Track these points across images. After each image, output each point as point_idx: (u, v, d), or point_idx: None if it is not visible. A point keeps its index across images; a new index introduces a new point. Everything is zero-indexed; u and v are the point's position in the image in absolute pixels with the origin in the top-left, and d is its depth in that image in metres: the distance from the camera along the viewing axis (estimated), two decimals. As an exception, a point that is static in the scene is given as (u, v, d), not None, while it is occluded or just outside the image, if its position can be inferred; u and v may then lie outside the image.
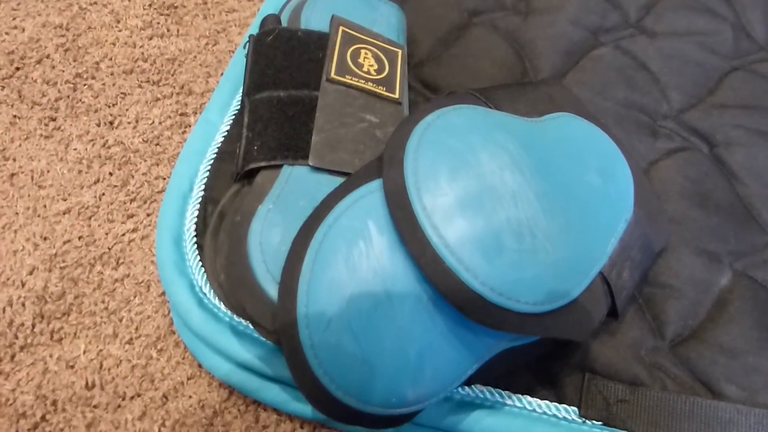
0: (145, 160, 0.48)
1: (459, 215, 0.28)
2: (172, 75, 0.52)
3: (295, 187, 0.34)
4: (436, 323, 0.29)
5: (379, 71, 0.39)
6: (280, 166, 0.35)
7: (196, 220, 0.40)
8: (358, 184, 0.30)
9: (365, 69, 0.39)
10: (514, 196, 0.29)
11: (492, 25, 0.49)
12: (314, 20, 0.40)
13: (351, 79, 0.38)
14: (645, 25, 0.50)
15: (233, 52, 0.54)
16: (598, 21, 0.49)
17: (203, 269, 0.37)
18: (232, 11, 0.57)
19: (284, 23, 0.41)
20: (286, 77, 0.38)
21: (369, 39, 0.40)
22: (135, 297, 0.41)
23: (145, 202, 0.46)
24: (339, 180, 0.34)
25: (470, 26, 0.48)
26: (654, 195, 0.37)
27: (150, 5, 0.57)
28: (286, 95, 0.37)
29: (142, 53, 0.53)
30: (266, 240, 0.31)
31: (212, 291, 0.36)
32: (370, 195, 0.30)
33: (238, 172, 0.36)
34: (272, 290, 0.30)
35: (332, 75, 0.37)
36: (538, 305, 0.29)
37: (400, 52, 0.41)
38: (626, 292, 0.34)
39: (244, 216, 0.33)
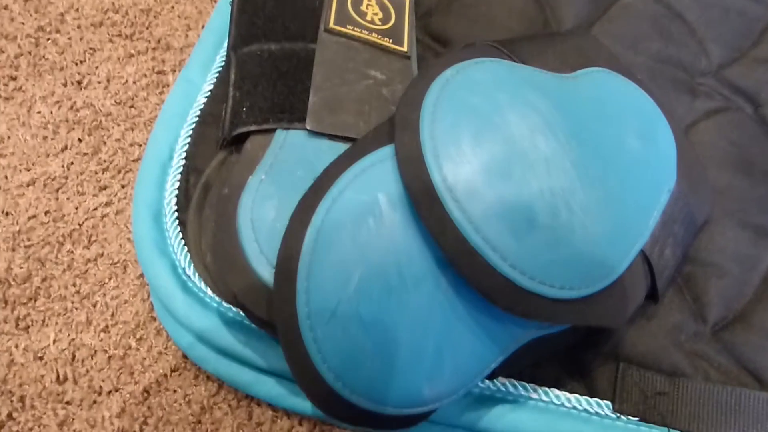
0: (119, 125, 0.45)
1: (484, 186, 0.25)
2: (147, 28, 0.49)
3: (291, 155, 0.31)
4: (457, 310, 0.26)
5: (384, 20, 0.36)
6: (272, 131, 0.32)
7: (177, 192, 0.37)
8: (365, 151, 0.27)
9: (369, 18, 0.35)
10: (548, 163, 0.26)
11: (508, -31, 0.45)
12: (308, -38, 0.37)
13: (353, 30, 0.34)
14: (679, -30, 0.46)
15: (215, 1, 0.50)
16: (626, -36, 0.46)
17: (186, 249, 0.34)
18: (213, -45, 0.52)
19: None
20: (278, 28, 0.34)
21: (372, -16, 0.37)
22: (110, 279, 0.38)
23: (119, 172, 0.43)
24: (341, 146, 0.31)
25: (483, -29, 0.45)
26: (697, 161, 0.35)
27: (120, -51, 0.53)
28: (278, 48, 0.34)
29: (113, 3, 0.50)
30: (258, 216, 0.28)
31: (197, 273, 0.33)
32: (380, 164, 0.27)
33: (225, 138, 0.33)
34: (266, 273, 0.27)
35: (331, 25, 0.34)
36: (575, 290, 0.26)
37: (407, -1, 0.37)
38: (668, 272, 0.31)
39: (232, 188, 0.30)
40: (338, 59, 0.33)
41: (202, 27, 0.49)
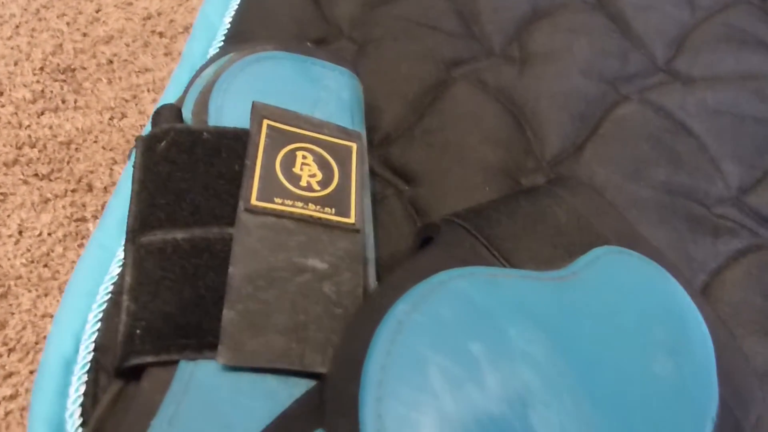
0: (30, 291, 0.35)
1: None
2: (67, 163, 0.39)
3: (198, 403, 0.21)
4: None
5: (324, 183, 0.26)
6: (176, 362, 0.22)
7: (82, 400, 0.27)
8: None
9: (304, 183, 0.26)
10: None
11: (478, 79, 0.36)
12: (228, 110, 0.27)
13: (282, 204, 0.25)
14: (678, 68, 0.37)
15: (146, 126, 0.41)
16: (617, 66, 0.36)
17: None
18: (144, 71, 0.43)
19: (186, 115, 0.28)
20: (186, 207, 0.25)
21: (309, 134, 0.27)
22: None
23: (27, 354, 0.33)
24: (269, 384, 0.21)
25: (449, 84, 0.35)
26: (734, 344, 0.25)
27: (42, 69, 0.43)
28: (185, 238, 0.24)
29: (30, 136, 0.40)
30: None
31: None
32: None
33: (117, 369, 0.23)
34: None
35: (253, 201, 0.24)
36: None
37: (354, 146, 0.28)
38: None
39: (119, 456, 0.20)
40: (264, 250, 0.24)
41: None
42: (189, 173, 0.25)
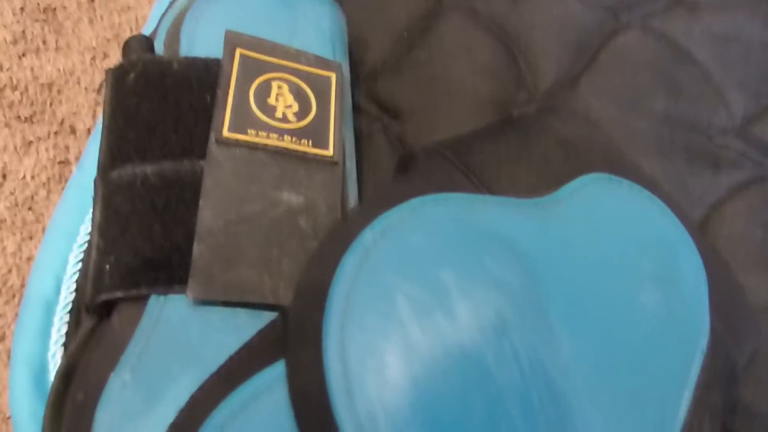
0: (14, 234, 0.34)
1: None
2: (50, 106, 0.38)
3: (167, 338, 0.20)
4: None
5: (301, 114, 0.25)
6: (146, 298, 0.21)
7: (64, 341, 0.27)
8: (248, 371, 0.17)
9: (279, 114, 0.24)
10: (524, 379, 0.16)
11: (470, 8, 0.34)
12: (201, 40, 0.26)
13: (256, 136, 0.24)
14: (682, -7, 0.35)
15: (129, 67, 0.39)
16: (617, -7, 0.34)
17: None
18: (126, 10, 0.41)
19: (159, 47, 0.27)
20: (156, 141, 0.24)
21: (284, 63, 0.26)
22: (-5, 450, 0.29)
23: (13, 297, 0.33)
24: (240, 318, 0.21)
25: (440, 14, 0.34)
26: (730, 276, 0.24)
27: (22, 9, 0.42)
28: (155, 172, 0.23)
29: (11, 78, 0.39)
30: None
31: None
32: (268, 394, 0.16)
33: (88, 306, 0.22)
34: None
35: (225, 133, 0.23)
36: None
37: (333, 76, 0.26)
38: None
39: (89, 390, 0.20)
40: (235, 182, 0.23)
41: (113, 101, 0.38)
42: (159, 105, 0.24)
